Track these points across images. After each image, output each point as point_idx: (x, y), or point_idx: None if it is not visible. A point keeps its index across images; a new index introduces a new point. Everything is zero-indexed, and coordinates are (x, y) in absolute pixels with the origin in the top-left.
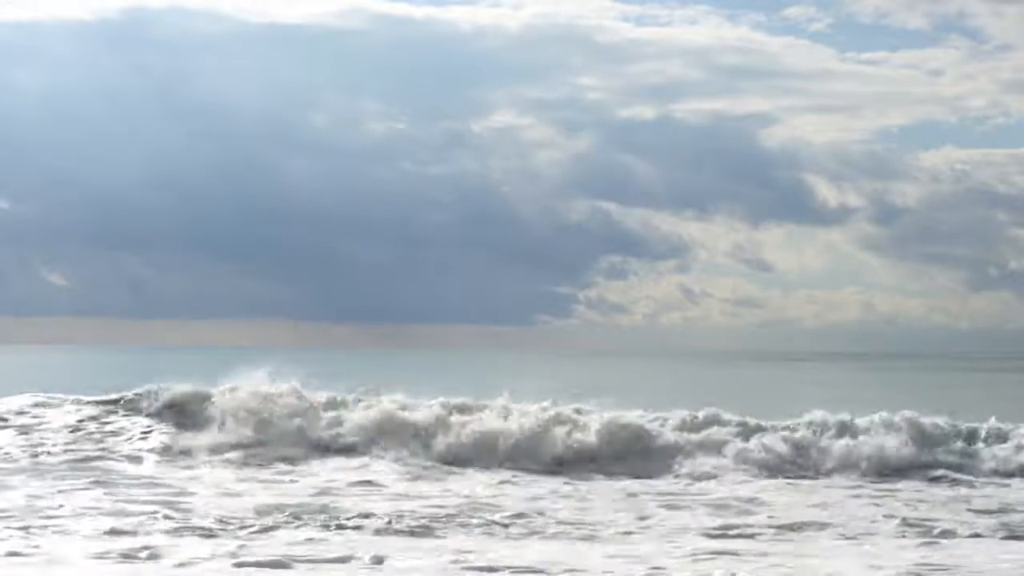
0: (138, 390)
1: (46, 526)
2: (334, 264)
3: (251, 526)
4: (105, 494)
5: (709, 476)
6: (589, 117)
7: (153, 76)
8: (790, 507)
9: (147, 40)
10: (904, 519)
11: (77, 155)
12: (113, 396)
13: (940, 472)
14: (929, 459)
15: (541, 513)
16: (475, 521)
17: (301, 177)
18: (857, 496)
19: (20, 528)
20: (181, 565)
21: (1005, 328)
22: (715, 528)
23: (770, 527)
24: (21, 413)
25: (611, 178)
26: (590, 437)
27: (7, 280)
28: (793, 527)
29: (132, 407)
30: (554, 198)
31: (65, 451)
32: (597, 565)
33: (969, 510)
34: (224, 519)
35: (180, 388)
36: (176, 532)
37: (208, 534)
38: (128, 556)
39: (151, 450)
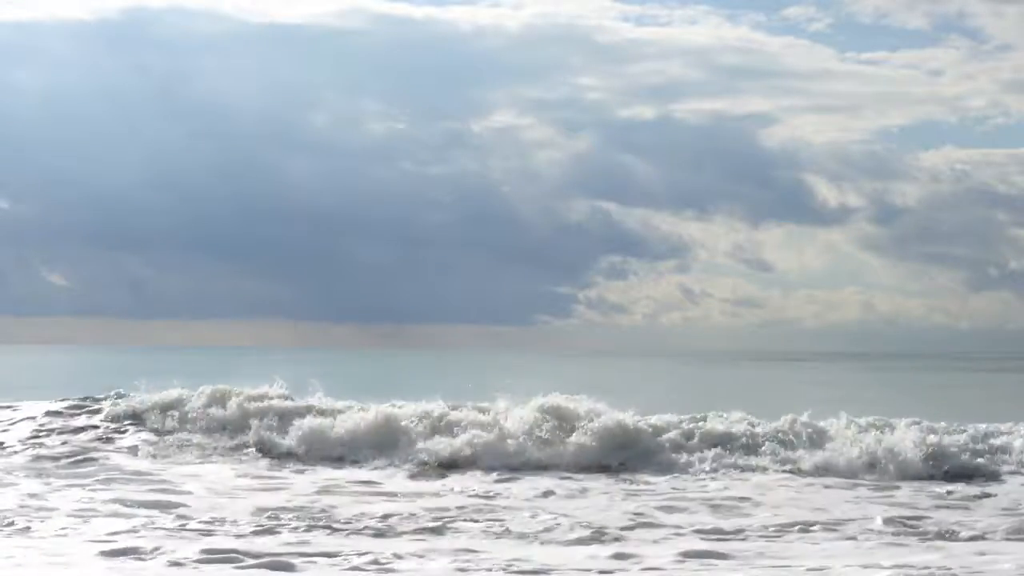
0: (118, 390)
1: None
2: (334, 264)
3: (249, 526)
4: (102, 492)
5: (705, 476)
6: (589, 117)
7: (153, 76)
8: (787, 507)
9: (147, 40)
10: (901, 519)
11: (77, 155)
12: (107, 395)
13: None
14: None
15: (539, 513)
16: (476, 522)
17: (301, 177)
18: (856, 497)
19: None
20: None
21: (1005, 328)
22: (711, 528)
23: (766, 527)
24: None
25: (611, 178)
26: (586, 437)
27: (7, 280)
28: (790, 527)
29: (123, 411)
30: (554, 198)
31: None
32: (595, 565)
33: (971, 510)
34: (222, 519)
35: (169, 394)
36: (176, 533)
37: (205, 534)
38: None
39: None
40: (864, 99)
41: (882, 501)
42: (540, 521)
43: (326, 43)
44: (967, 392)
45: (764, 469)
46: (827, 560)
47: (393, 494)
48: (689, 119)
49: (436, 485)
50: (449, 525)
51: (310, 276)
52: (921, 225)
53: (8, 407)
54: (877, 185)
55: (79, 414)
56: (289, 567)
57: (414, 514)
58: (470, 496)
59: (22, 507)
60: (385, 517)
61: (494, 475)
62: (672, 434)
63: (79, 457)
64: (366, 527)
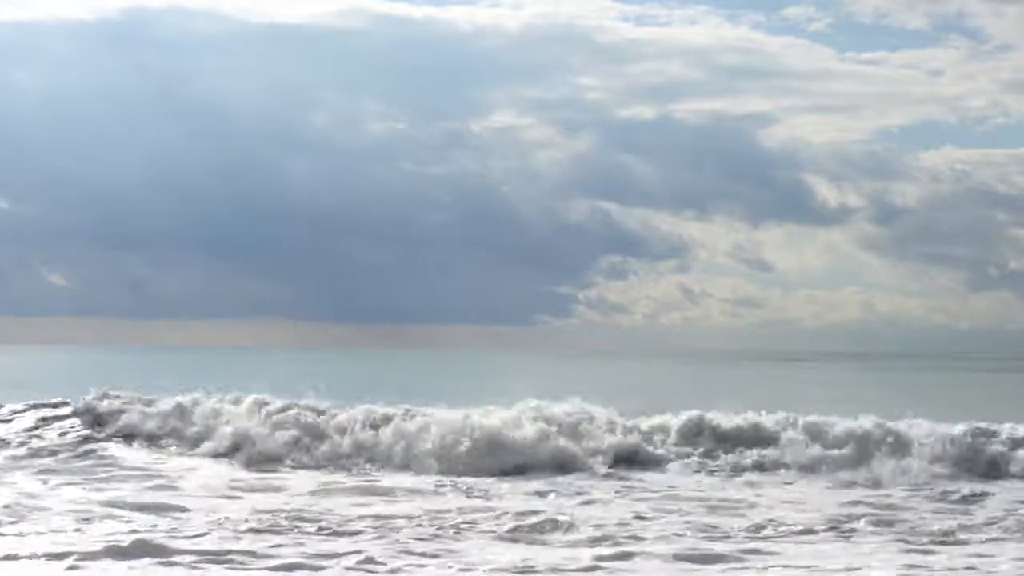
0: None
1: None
2: (334, 264)
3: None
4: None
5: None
6: (589, 117)
7: (153, 76)
8: (783, 509)
9: (147, 40)
10: (898, 520)
11: (77, 155)
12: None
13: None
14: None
15: (535, 514)
16: (472, 524)
17: (301, 177)
18: (853, 499)
19: None
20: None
21: (1005, 328)
22: (706, 528)
23: (761, 528)
24: None
25: (611, 178)
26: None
27: (7, 280)
28: (784, 528)
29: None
30: (554, 198)
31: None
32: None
33: (970, 512)
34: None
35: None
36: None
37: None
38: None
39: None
40: (864, 99)
41: (877, 501)
42: (534, 523)
43: (326, 43)
44: (968, 392)
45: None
46: (821, 560)
47: (386, 498)
48: (689, 119)
49: (429, 491)
50: (448, 529)
51: (310, 276)
52: (921, 225)
53: None
54: (877, 185)
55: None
56: (289, 567)
57: (411, 517)
58: (467, 500)
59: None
60: (379, 521)
61: (491, 479)
62: (670, 435)
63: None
64: (362, 531)
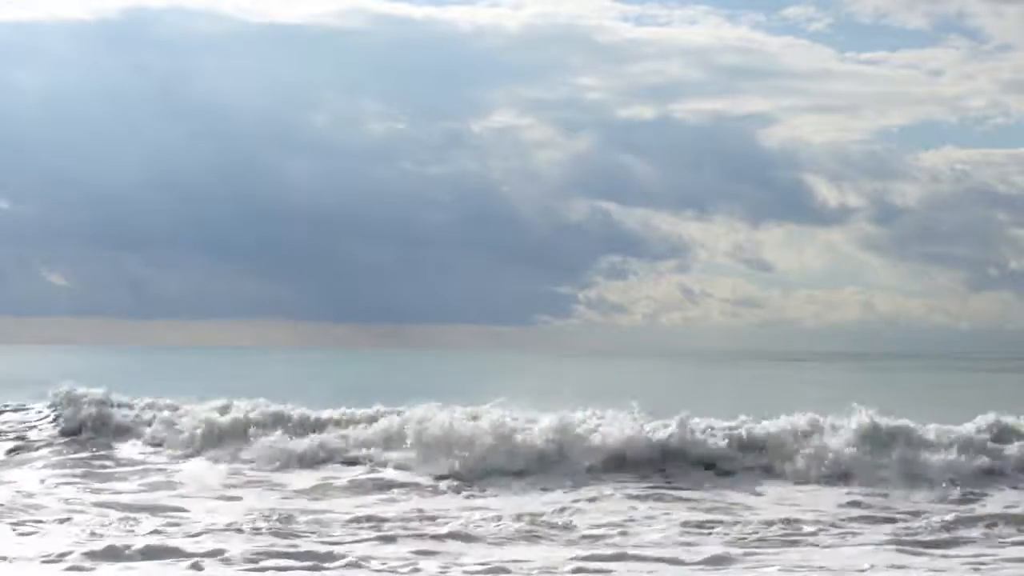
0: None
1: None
2: (334, 264)
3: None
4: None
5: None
6: (589, 117)
7: (153, 76)
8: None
9: (147, 40)
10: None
11: (77, 155)
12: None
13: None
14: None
15: (534, 515)
16: (458, 524)
17: (301, 177)
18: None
19: None
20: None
21: (1005, 328)
22: (702, 530)
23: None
24: None
25: (611, 178)
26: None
27: (7, 280)
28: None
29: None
30: (554, 198)
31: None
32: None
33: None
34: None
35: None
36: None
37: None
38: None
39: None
40: (864, 99)
41: (874, 502)
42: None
43: (326, 43)
44: (969, 392)
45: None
46: (809, 558)
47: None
48: (689, 119)
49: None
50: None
51: (310, 276)
52: (921, 225)
53: None
54: (877, 185)
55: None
56: (288, 568)
57: (403, 518)
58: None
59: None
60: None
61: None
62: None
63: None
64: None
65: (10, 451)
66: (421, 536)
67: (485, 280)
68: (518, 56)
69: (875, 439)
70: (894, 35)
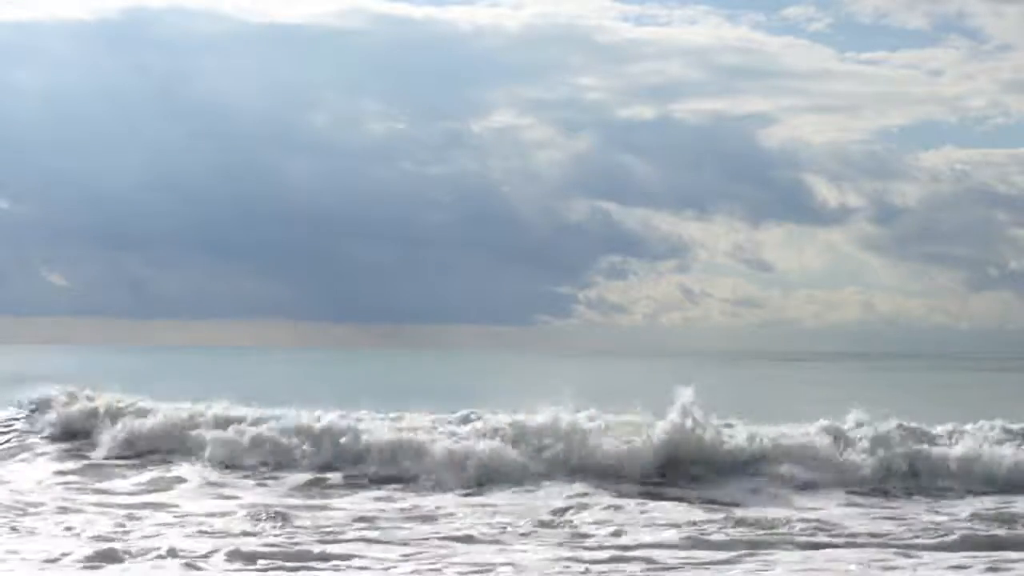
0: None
1: None
2: (334, 264)
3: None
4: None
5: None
6: (589, 117)
7: (153, 76)
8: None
9: (147, 40)
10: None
11: (77, 155)
12: None
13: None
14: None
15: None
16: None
17: (301, 177)
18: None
19: None
20: None
21: (1005, 328)
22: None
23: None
24: None
25: (611, 178)
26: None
27: (7, 280)
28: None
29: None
30: (554, 198)
31: None
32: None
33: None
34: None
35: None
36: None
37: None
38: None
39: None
40: (864, 99)
41: (871, 506)
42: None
43: (326, 43)
44: (970, 392)
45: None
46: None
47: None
48: (689, 119)
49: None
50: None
51: (310, 276)
52: (921, 225)
53: None
54: (877, 185)
55: None
56: (286, 568)
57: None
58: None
59: None
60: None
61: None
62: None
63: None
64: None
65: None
66: (418, 535)
67: (485, 280)
68: (518, 56)
69: (887, 443)
70: (894, 35)
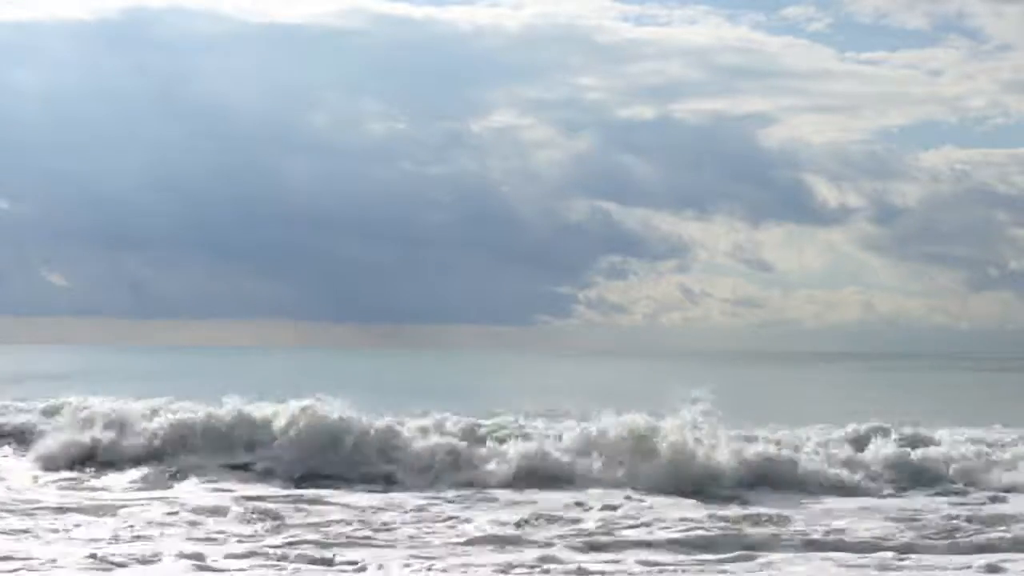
0: None
1: None
2: (334, 264)
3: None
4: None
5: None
6: (589, 117)
7: (153, 76)
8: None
9: (147, 40)
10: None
11: (77, 155)
12: None
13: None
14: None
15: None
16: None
17: (301, 177)
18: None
19: None
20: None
21: (1005, 328)
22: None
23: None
24: None
25: (611, 178)
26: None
27: (7, 280)
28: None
29: None
30: (554, 198)
31: None
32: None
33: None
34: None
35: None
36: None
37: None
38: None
39: None
40: (864, 99)
41: (869, 510)
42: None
43: (326, 43)
44: (970, 392)
45: None
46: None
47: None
48: (689, 119)
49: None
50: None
51: (310, 276)
52: (921, 225)
53: None
54: (877, 185)
55: None
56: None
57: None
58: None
59: None
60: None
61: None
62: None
63: None
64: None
65: None
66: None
67: (485, 280)
68: (518, 56)
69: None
70: (894, 35)
